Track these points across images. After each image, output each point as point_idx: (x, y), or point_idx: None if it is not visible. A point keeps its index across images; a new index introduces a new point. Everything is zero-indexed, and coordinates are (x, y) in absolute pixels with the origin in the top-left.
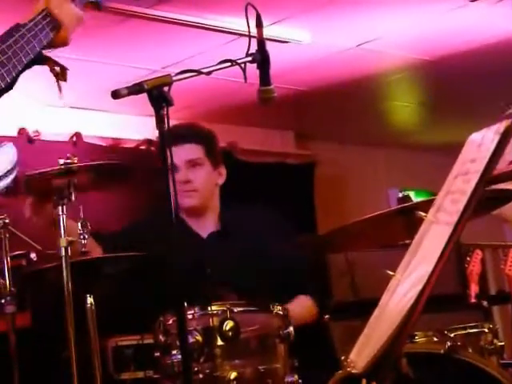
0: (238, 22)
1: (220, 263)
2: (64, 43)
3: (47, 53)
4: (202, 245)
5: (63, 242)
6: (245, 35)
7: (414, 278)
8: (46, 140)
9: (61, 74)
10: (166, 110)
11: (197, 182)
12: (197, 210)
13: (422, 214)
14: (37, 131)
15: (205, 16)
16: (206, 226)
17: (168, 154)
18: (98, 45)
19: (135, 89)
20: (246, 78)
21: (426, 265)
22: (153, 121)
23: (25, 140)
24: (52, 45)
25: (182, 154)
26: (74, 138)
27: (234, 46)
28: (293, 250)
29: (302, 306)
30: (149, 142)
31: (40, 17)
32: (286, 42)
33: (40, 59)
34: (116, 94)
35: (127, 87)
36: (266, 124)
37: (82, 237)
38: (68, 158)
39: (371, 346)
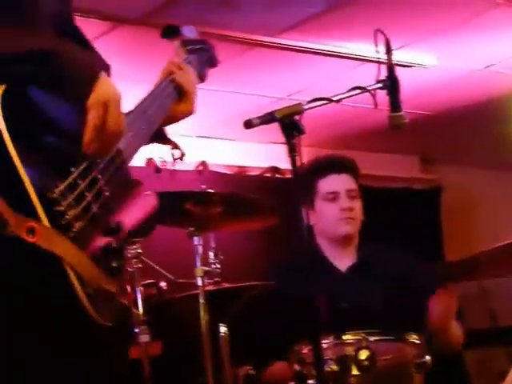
0: (364, 48)
1: (359, 295)
2: (190, 113)
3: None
4: (342, 279)
5: (199, 271)
6: (373, 61)
7: None
8: (173, 169)
9: (178, 157)
10: (297, 138)
11: (356, 211)
12: (350, 238)
13: None
14: (164, 161)
15: (330, 42)
16: (346, 258)
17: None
18: (222, 75)
19: (267, 118)
20: (376, 105)
21: None
22: (277, 148)
23: (152, 170)
24: (175, 117)
25: (341, 182)
26: (200, 167)
27: (360, 71)
28: (429, 278)
29: (458, 328)
30: (274, 169)
31: (163, 86)
32: (412, 66)
33: (161, 137)
34: (248, 124)
35: (259, 117)
36: (391, 149)
37: (214, 266)
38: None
39: None
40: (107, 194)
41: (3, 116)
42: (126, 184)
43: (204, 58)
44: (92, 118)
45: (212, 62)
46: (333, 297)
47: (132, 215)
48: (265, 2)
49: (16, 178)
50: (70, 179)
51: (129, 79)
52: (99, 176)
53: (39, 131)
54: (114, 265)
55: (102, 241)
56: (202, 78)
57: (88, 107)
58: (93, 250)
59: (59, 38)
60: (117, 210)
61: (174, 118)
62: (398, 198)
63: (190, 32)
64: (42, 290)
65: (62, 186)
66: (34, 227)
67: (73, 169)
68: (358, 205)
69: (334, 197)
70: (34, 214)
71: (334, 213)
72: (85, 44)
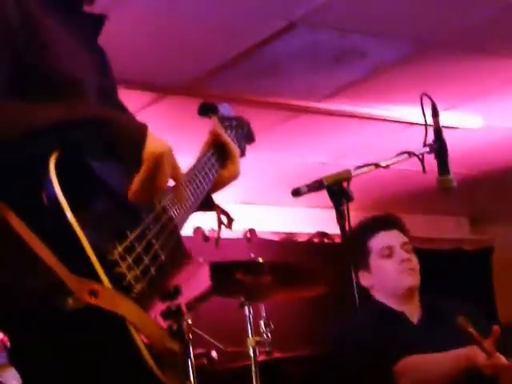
0: (409, 111)
1: (435, 345)
2: (235, 176)
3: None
4: (416, 330)
5: (251, 341)
6: (419, 124)
7: None
8: (221, 237)
9: (227, 223)
10: (346, 205)
11: (414, 262)
12: (414, 290)
13: None
14: (212, 229)
15: (374, 106)
16: (412, 310)
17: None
18: (267, 141)
19: (315, 186)
20: (424, 169)
21: None
22: (325, 212)
23: (201, 239)
24: (222, 182)
25: (394, 237)
26: (248, 234)
27: (406, 134)
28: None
29: None
30: (322, 234)
31: (208, 155)
32: (457, 128)
33: (208, 204)
34: (296, 193)
35: (307, 185)
36: (440, 210)
37: (265, 335)
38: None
39: None
40: (163, 258)
41: (59, 181)
42: (179, 250)
43: (241, 135)
44: (143, 169)
45: (249, 138)
46: (409, 349)
47: (187, 285)
48: (309, 68)
49: (75, 241)
50: (126, 242)
51: (174, 149)
52: (154, 240)
53: (94, 194)
54: (174, 328)
55: (161, 304)
56: (240, 154)
57: (143, 164)
58: (153, 312)
59: (105, 107)
60: (172, 276)
61: (220, 184)
62: (448, 259)
63: (225, 109)
64: (106, 351)
65: (120, 248)
66: (96, 289)
67: (128, 232)
68: (414, 257)
69: (389, 252)
70: (95, 276)
71: (394, 267)
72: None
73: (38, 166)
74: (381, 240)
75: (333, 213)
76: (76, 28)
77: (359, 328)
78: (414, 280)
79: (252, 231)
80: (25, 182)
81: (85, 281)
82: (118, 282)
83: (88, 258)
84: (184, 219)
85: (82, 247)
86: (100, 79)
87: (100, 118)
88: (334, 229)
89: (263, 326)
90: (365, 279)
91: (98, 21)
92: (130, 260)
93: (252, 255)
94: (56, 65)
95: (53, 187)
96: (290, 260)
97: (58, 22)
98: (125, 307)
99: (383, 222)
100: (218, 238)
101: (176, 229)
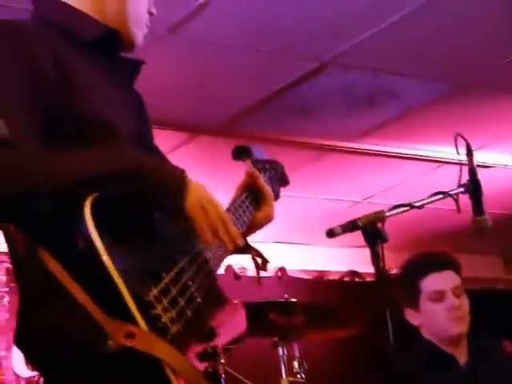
0: (442, 150)
1: None
2: (270, 219)
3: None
4: (464, 374)
5: (285, 382)
6: (452, 162)
7: None
8: (252, 276)
9: (262, 265)
10: (380, 246)
11: (464, 309)
12: (462, 337)
13: None
14: (243, 268)
15: (406, 145)
16: (459, 353)
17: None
18: (299, 180)
19: (349, 227)
20: (459, 209)
21: None
22: (356, 251)
23: (231, 277)
24: (256, 225)
25: (446, 280)
26: (279, 273)
27: (439, 172)
28: None
29: None
30: (353, 273)
31: (242, 197)
32: (490, 166)
33: (243, 246)
34: (331, 234)
35: (341, 226)
36: (473, 250)
37: (299, 376)
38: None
39: None
40: (199, 300)
41: (95, 224)
42: (215, 292)
43: (275, 177)
44: (198, 222)
45: (283, 181)
46: None
47: (224, 328)
48: (341, 108)
49: (111, 284)
50: (162, 284)
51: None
52: (190, 282)
53: (131, 236)
54: (210, 370)
55: (197, 346)
56: (274, 197)
57: (189, 213)
58: (189, 354)
59: (144, 153)
60: (208, 317)
61: (255, 226)
62: (481, 299)
63: (259, 152)
64: None
65: (155, 291)
66: (132, 331)
67: (164, 274)
68: (465, 301)
69: (440, 296)
70: (131, 319)
71: (444, 313)
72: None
73: (74, 209)
74: (432, 283)
75: (363, 251)
76: (113, 72)
77: (405, 367)
78: (462, 327)
79: (283, 270)
80: (61, 226)
81: (121, 323)
82: (154, 324)
83: (124, 300)
84: (219, 261)
85: (119, 290)
86: (136, 123)
87: (140, 169)
88: (364, 267)
89: (297, 367)
90: (413, 318)
91: (136, 66)
92: (165, 302)
93: (285, 296)
94: (91, 110)
95: (88, 230)
96: (320, 298)
97: (94, 65)
98: (161, 349)
99: (436, 261)
100: (259, 279)
101: (211, 271)
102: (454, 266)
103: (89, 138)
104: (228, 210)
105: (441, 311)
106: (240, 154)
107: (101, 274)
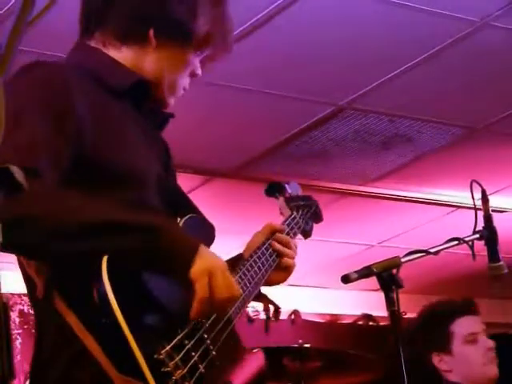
0: (457, 194)
1: None
2: (283, 281)
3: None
4: None
5: None
6: (467, 207)
7: None
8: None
9: (274, 314)
10: (396, 292)
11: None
12: (496, 380)
13: None
14: (256, 310)
15: (421, 190)
16: None
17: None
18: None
19: (364, 273)
20: (474, 256)
21: None
22: (369, 295)
23: (245, 320)
24: (270, 282)
25: (478, 323)
26: (293, 316)
27: (452, 217)
28: None
29: None
30: (367, 316)
31: (263, 249)
32: (505, 211)
33: (256, 295)
34: (346, 280)
35: (356, 271)
36: (489, 294)
37: None
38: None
39: None
40: (214, 353)
41: (110, 280)
42: (233, 343)
43: (308, 214)
44: (198, 289)
45: (317, 218)
46: None
47: (241, 376)
48: (356, 152)
49: (123, 342)
50: (176, 340)
51: (223, 232)
52: (205, 335)
53: (145, 296)
54: None
55: None
56: (306, 234)
57: (192, 279)
58: None
59: (164, 214)
60: (225, 369)
61: (268, 283)
62: (498, 344)
63: (293, 188)
64: None
65: (168, 347)
66: None
67: (179, 329)
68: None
69: (474, 338)
70: (141, 377)
71: (480, 356)
72: (186, 204)
73: (92, 263)
74: (467, 325)
75: (377, 295)
76: (143, 119)
77: None
78: (497, 370)
79: (296, 313)
80: (80, 277)
81: (131, 380)
82: (165, 381)
83: (135, 358)
84: (238, 312)
85: (130, 348)
86: (161, 169)
87: (154, 226)
88: (378, 311)
89: None
90: (443, 363)
91: (165, 118)
92: (177, 358)
93: (300, 341)
94: (119, 155)
95: (104, 287)
96: (334, 342)
97: (125, 112)
98: None
99: (465, 306)
100: (268, 327)
101: (229, 322)
102: (478, 312)
103: (116, 182)
104: (251, 255)
105: (476, 354)
106: (273, 190)
107: (114, 331)
